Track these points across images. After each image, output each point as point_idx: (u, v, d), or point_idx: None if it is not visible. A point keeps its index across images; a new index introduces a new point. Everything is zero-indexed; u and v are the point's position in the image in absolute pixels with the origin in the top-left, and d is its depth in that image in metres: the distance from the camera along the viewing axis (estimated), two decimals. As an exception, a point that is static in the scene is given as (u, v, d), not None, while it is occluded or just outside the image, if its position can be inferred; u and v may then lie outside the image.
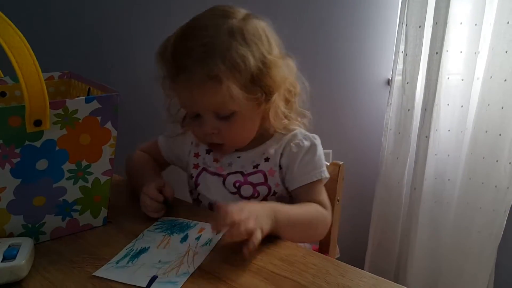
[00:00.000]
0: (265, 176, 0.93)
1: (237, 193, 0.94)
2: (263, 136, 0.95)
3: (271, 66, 0.86)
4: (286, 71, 0.90)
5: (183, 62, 0.82)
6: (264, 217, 0.76)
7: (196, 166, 0.99)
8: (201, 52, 0.81)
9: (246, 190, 0.93)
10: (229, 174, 0.94)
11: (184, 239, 0.81)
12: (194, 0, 1.30)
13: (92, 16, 1.22)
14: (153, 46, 1.26)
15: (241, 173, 0.94)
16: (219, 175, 0.95)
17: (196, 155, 0.99)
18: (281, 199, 0.96)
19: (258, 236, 0.72)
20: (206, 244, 0.79)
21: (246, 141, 0.94)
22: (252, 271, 0.71)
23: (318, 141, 0.96)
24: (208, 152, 0.98)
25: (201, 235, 0.83)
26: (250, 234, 0.71)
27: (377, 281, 0.69)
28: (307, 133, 0.96)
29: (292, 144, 0.93)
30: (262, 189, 0.93)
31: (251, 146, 0.95)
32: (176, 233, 0.84)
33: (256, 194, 0.93)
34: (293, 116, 0.96)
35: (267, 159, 0.94)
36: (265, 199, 0.94)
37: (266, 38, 0.88)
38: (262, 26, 0.88)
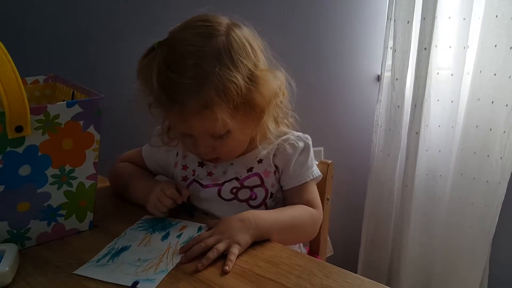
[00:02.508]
0: (261, 178, 0.93)
1: (235, 199, 0.94)
2: (255, 141, 0.95)
3: (259, 82, 0.85)
4: (274, 84, 0.88)
5: (174, 95, 0.81)
6: (241, 232, 0.78)
7: (184, 178, 0.97)
8: (191, 85, 0.80)
9: (244, 193, 0.93)
10: (224, 182, 0.94)
11: (165, 237, 0.82)
12: (180, 1, 1.30)
13: (78, 18, 1.22)
14: (140, 48, 1.26)
15: (236, 178, 0.94)
16: (214, 186, 0.94)
17: (184, 167, 0.98)
18: (277, 200, 0.96)
19: (234, 251, 0.74)
20: (186, 242, 0.80)
21: (241, 151, 0.94)
22: (237, 273, 0.71)
23: (310, 141, 0.97)
24: (200, 165, 0.97)
25: (182, 233, 0.84)
26: (220, 253, 0.74)
27: (362, 282, 0.68)
28: (299, 134, 0.97)
29: (286, 144, 0.94)
30: (260, 192, 0.93)
31: (244, 151, 0.95)
32: (158, 231, 0.85)
33: (253, 196, 0.93)
34: (280, 120, 0.96)
35: (260, 161, 0.94)
36: (263, 202, 0.94)
37: (252, 50, 0.86)
38: (246, 36, 0.87)
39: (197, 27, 0.85)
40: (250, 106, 0.86)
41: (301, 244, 1.07)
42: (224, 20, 0.87)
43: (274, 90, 0.88)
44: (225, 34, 0.84)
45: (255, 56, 0.87)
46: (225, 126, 0.84)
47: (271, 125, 0.92)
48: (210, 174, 0.95)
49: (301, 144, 0.94)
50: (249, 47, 0.86)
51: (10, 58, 0.67)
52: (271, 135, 0.93)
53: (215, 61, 0.81)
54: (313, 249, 1.15)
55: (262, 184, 0.93)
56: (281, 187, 0.96)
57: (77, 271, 0.72)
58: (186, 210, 0.92)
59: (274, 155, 0.94)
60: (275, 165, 0.94)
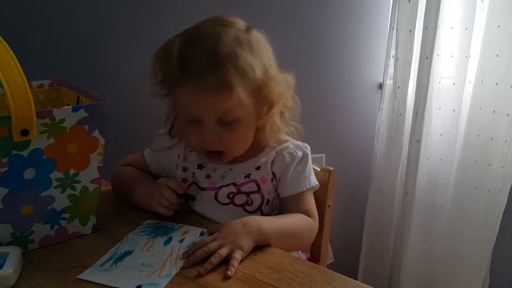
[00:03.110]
0: (257, 184, 0.94)
1: (231, 203, 0.94)
2: (255, 149, 0.96)
3: (272, 79, 0.88)
4: (285, 86, 0.91)
5: (194, 69, 0.82)
6: (244, 236, 0.78)
7: (184, 180, 0.98)
8: (212, 60, 0.82)
9: (240, 198, 0.94)
10: (222, 187, 0.94)
11: (168, 241, 0.82)
12: (185, 6, 1.31)
13: (84, 22, 1.23)
14: (145, 52, 1.27)
15: (234, 184, 0.94)
16: (211, 189, 0.95)
17: (184, 169, 0.99)
18: (273, 207, 0.97)
19: (237, 257, 0.75)
20: (189, 247, 0.80)
21: (243, 149, 0.94)
22: (239, 279, 0.71)
23: (309, 150, 0.97)
24: (199, 167, 0.97)
25: (184, 237, 0.84)
26: (222, 258, 0.75)
27: (363, 288, 0.69)
28: (298, 143, 0.98)
29: (285, 153, 0.95)
30: (256, 198, 0.94)
31: (244, 158, 0.95)
32: (160, 236, 0.85)
33: (250, 201, 0.94)
34: (283, 127, 0.97)
35: (258, 168, 0.95)
36: (259, 208, 0.94)
37: (267, 51, 0.90)
38: (263, 39, 0.90)
39: (216, 20, 0.88)
40: (261, 99, 0.87)
41: (300, 252, 1.07)
42: (242, 21, 0.90)
43: (284, 90, 0.90)
44: (244, 30, 0.88)
45: (269, 58, 0.89)
46: (239, 107, 0.84)
47: (277, 124, 0.93)
48: (208, 177, 0.96)
49: (299, 153, 0.95)
50: (266, 49, 0.89)
51: (17, 61, 0.68)
52: (275, 136, 0.94)
53: (235, 44, 0.84)
54: (314, 256, 1.15)
55: (258, 190, 0.94)
56: (278, 194, 0.96)
57: (81, 276, 0.72)
58: (186, 199, 0.93)
59: (272, 162, 0.95)
60: (272, 173, 0.95)
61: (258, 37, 0.89)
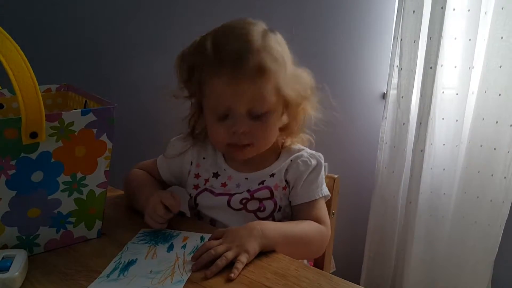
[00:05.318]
0: (271, 191, 0.94)
1: (243, 209, 0.94)
2: (271, 157, 0.97)
3: (297, 75, 0.91)
4: (308, 84, 0.94)
5: (230, 56, 0.83)
6: (250, 240, 0.78)
7: (196, 187, 0.98)
8: (248, 47, 0.84)
9: (252, 204, 0.94)
10: (235, 193, 0.95)
11: (170, 248, 0.82)
12: (194, 11, 1.32)
13: (91, 27, 1.23)
14: (152, 59, 1.28)
15: (247, 190, 0.94)
16: (225, 195, 0.95)
17: (197, 176, 0.99)
18: (285, 214, 0.97)
19: (242, 260, 0.74)
20: (193, 252, 0.79)
21: (267, 146, 0.94)
22: (244, 284, 0.71)
23: (323, 160, 0.98)
24: (215, 175, 0.97)
25: (186, 243, 0.83)
26: (228, 261, 0.74)
27: (369, 295, 0.69)
28: (313, 152, 0.98)
29: (299, 161, 0.95)
30: (268, 204, 0.94)
31: (259, 167, 0.96)
32: (161, 243, 0.84)
33: (262, 208, 0.94)
34: (301, 132, 0.99)
35: (272, 175, 0.95)
36: (271, 215, 0.94)
37: (288, 50, 0.93)
38: (283, 39, 0.93)
39: (243, 19, 0.91)
40: (288, 92, 0.90)
41: (305, 260, 1.07)
42: (263, 23, 0.93)
43: (307, 89, 0.94)
44: (268, 29, 0.90)
45: (289, 55, 0.92)
46: (269, 100, 0.87)
47: (299, 123, 0.96)
48: (224, 185, 0.96)
49: (313, 162, 0.95)
50: (287, 49, 0.92)
51: (28, 64, 0.68)
52: (295, 136, 0.97)
53: (265, 36, 0.87)
54: (317, 265, 1.14)
55: (271, 197, 0.94)
56: (290, 202, 0.96)
57: (90, 287, 0.70)
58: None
59: (286, 170, 0.95)
60: (286, 180, 0.95)
61: (280, 37, 0.92)
